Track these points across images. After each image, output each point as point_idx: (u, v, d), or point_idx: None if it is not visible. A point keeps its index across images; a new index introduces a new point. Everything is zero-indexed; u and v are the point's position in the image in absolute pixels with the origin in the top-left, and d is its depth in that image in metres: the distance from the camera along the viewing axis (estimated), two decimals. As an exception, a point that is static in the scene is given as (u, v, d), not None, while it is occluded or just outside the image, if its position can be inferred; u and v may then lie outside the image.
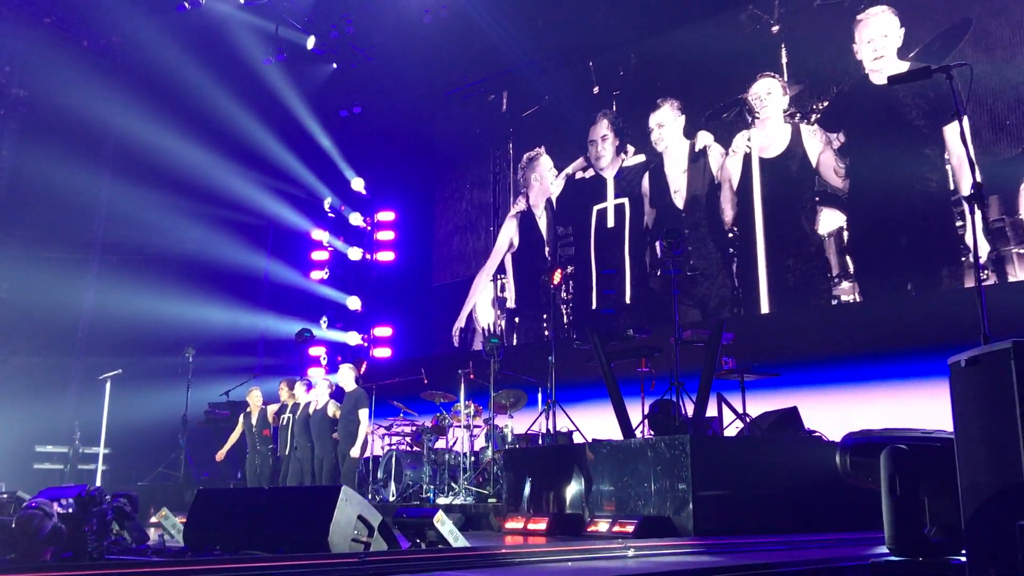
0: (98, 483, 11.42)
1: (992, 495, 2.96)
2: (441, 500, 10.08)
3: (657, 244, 8.82)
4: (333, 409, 10.26)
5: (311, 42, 15.30)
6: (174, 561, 4.40)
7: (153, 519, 8.42)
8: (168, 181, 15.30)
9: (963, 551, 3.30)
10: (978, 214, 3.87)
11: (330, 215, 17.06)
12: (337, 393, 10.53)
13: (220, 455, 11.54)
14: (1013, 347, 2.87)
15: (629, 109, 13.87)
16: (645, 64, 13.83)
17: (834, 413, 9.50)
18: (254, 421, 11.13)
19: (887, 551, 3.70)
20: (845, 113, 11.45)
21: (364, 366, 12.85)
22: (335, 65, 16.47)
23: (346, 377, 10.33)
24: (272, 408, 11.07)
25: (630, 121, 13.82)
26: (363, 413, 10.02)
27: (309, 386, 10.82)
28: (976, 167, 3.90)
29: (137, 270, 16.14)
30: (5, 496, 6.93)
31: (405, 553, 5.08)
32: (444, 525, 5.32)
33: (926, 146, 10.58)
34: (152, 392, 13.51)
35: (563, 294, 13.75)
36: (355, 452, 9.92)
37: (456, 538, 5.33)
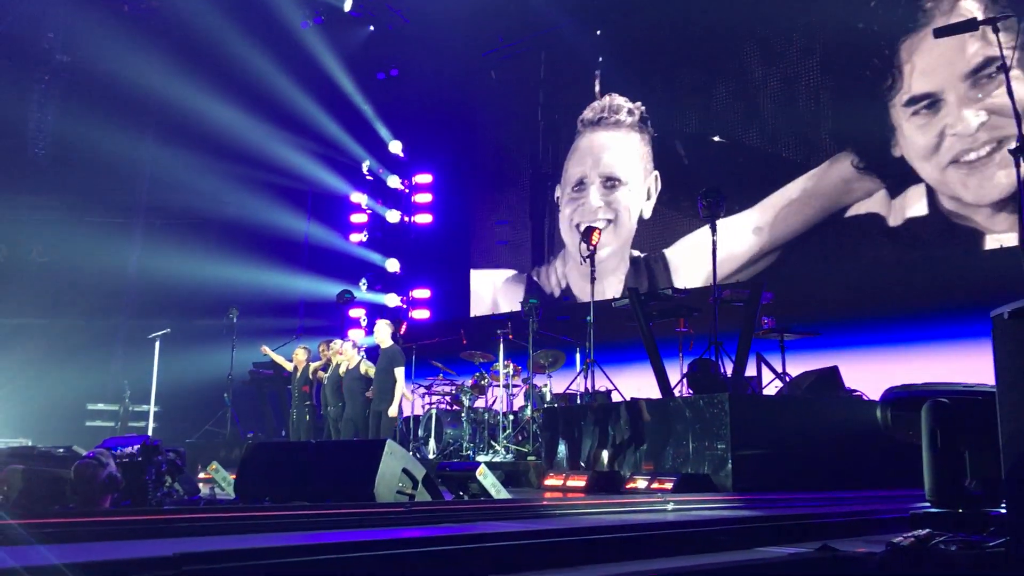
0: (148, 440, 11.74)
1: (1033, 446, 2.98)
2: (481, 458, 10.21)
3: (697, 203, 8.75)
4: (365, 367, 10.23)
5: (348, 4, 15.32)
6: (230, 508, 4.56)
7: (202, 474, 8.66)
8: (209, 145, 15.48)
9: (1003, 503, 3.33)
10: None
11: (368, 178, 17.16)
12: (370, 352, 10.55)
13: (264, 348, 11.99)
14: (1057, 299, 2.87)
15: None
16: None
17: (875, 373, 9.41)
18: (297, 377, 11.38)
19: (927, 504, 3.74)
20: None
21: (404, 327, 13.00)
22: (372, 27, 16.48)
23: (383, 333, 10.15)
24: (314, 365, 11.29)
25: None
26: (399, 371, 9.90)
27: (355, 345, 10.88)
28: (1023, 120, 3.86)
29: (180, 233, 16.40)
30: (61, 451, 7.18)
31: (449, 504, 5.21)
32: (486, 478, 5.44)
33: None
34: (198, 352, 13.81)
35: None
36: (392, 411, 9.80)
37: (498, 491, 5.45)
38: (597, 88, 14.49)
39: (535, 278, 15.01)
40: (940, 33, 4.30)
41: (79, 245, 15.23)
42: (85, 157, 15.48)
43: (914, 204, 10.65)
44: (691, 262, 12.83)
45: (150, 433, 12.21)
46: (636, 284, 13.00)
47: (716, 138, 12.82)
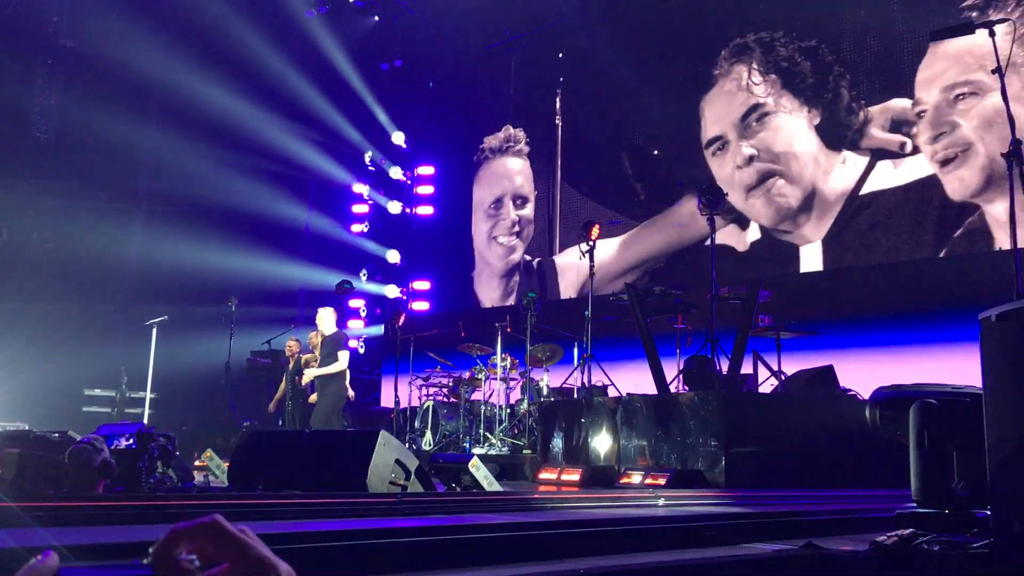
0: (145, 426, 11.77)
1: (1018, 448, 2.99)
2: (477, 450, 10.25)
3: (696, 201, 8.81)
4: (307, 357, 10.56)
5: (353, -6, 15.32)
6: (221, 496, 4.58)
7: (198, 461, 8.70)
8: (211, 133, 15.48)
9: (988, 504, 3.35)
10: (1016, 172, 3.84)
11: (371, 168, 17.17)
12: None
13: (271, 407, 11.87)
14: (1045, 302, 2.89)
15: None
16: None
17: (870, 373, 9.45)
18: (290, 368, 11.46)
19: (914, 503, 3.76)
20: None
21: (403, 318, 13.02)
22: (377, 18, 16.47)
23: (326, 321, 10.45)
24: (306, 357, 11.36)
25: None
26: (343, 355, 10.16)
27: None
28: (1016, 124, 3.87)
29: (181, 221, 16.40)
30: (56, 436, 7.21)
31: (440, 495, 5.23)
32: (479, 470, 5.46)
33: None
34: (196, 340, 13.83)
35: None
36: (308, 377, 10.09)
37: (490, 483, 5.47)
38: (558, 104, 15.28)
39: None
40: (936, 36, 4.31)
41: (80, 230, 15.25)
42: (88, 142, 15.48)
43: (750, 230, 12.30)
44: (572, 270, 14.35)
45: (146, 420, 12.24)
46: (530, 286, 14.60)
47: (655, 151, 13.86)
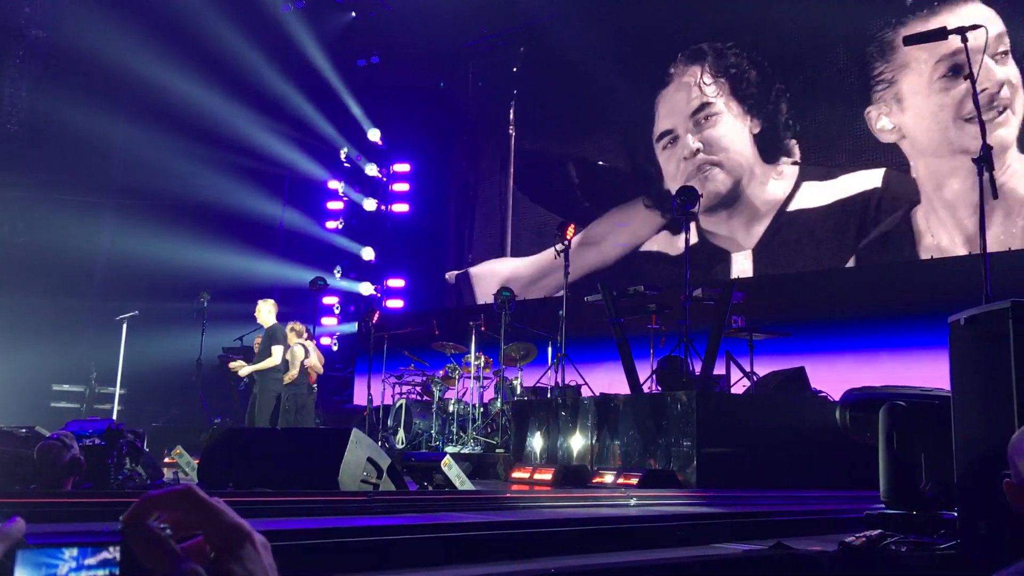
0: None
1: (984, 451, 3.03)
2: (450, 449, 10.23)
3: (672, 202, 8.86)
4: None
5: (330, -11, 15.23)
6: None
7: (167, 458, 8.61)
8: (185, 127, 15.32)
9: (955, 505, 3.39)
10: (986, 176, 3.90)
11: (346, 165, 17.08)
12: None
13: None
14: (1012, 307, 2.92)
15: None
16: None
17: (842, 375, 9.54)
18: None
19: (883, 504, 3.79)
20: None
21: (377, 316, 12.97)
22: (354, 13, 16.39)
23: (264, 313, 10.34)
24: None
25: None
26: (276, 349, 10.01)
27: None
28: (986, 129, 3.93)
29: (153, 215, 16.22)
30: (24, 431, 7.11)
31: (412, 494, 5.22)
32: (451, 469, 5.45)
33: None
34: (167, 335, 13.69)
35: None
36: (244, 372, 10.01)
37: (463, 482, 5.46)
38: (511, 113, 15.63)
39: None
40: (909, 41, 4.36)
41: (50, 223, 15.05)
42: (59, 135, 15.27)
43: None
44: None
45: (115, 416, 12.11)
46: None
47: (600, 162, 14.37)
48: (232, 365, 9.99)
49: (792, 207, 11.77)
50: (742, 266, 12.15)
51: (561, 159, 14.69)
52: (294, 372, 10.28)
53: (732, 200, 12.35)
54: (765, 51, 12.44)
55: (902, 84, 10.86)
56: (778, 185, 11.95)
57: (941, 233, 10.33)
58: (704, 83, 12.95)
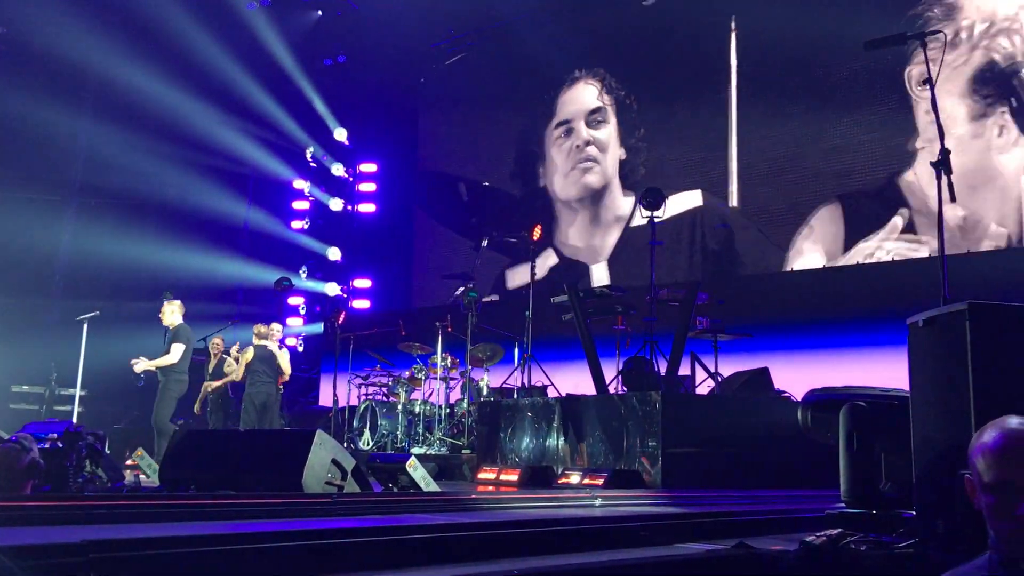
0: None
1: (942, 451, 3.08)
2: (416, 450, 10.21)
3: (638, 204, 8.93)
4: (231, 356, 10.86)
5: (296, -13, 15.12)
6: (152, 496, 4.48)
7: (129, 461, 8.51)
8: (149, 126, 15.14)
9: (914, 505, 3.43)
10: (944, 180, 3.96)
11: (312, 165, 16.98)
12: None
13: (196, 408, 11.72)
14: (968, 308, 2.97)
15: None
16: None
17: (805, 376, 9.63)
18: (211, 366, 11.41)
19: (843, 504, 3.84)
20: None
21: (343, 316, 12.90)
22: (320, 12, 16.29)
23: (168, 315, 10.21)
24: (231, 355, 11.44)
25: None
26: (176, 347, 9.84)
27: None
28: (945, 133, 3.99)
29: (116, 214, 16.02)
30: (-19, 434, 6.98)
31: (377, 496, 5.20)
32: (416, 471, 5.43)
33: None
34: (129, 336, 13.44)
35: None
36: (139, 368, 9.82)
37: (428, 483, 5.45)
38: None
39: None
40: (870, 45, 4.41)
41: (9, 221, 14.79)
42: (18, 131, 15.03)
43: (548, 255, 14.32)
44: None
45: (75, 418, 11.93)
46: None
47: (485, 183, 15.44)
48: (132, 361, 9.88)
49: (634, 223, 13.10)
50: (600, 276, 13.49)
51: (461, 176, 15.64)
52: (241, 371, 10.71)
53: (598, 198, 13.77)
54: (632, 84, 13.74)
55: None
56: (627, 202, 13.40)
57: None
58: (604, 91, 14.05)
